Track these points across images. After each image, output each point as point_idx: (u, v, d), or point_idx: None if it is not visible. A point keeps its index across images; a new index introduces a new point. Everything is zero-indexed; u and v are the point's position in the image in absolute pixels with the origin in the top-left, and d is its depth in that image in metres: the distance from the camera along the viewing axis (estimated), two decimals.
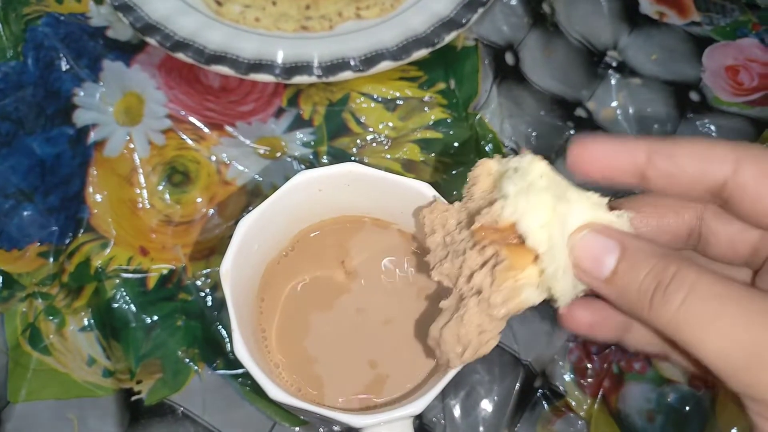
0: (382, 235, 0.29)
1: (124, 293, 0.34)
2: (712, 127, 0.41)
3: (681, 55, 0.44)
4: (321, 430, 0.32)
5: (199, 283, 0.35)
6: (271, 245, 0.27)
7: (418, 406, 0.22)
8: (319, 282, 0.29)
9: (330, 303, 0.28)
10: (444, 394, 0.33)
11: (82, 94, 0.39)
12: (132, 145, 0.38)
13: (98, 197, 0.36)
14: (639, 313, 0.18)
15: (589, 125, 0.41)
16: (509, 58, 0.42)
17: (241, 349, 0.22)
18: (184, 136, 0.38)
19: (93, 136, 0.38)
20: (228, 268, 0.24)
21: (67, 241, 0.35)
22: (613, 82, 0.42)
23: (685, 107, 0.42)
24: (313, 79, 0.38)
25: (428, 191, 0.26)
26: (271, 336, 0.27)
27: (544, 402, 0.34)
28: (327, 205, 0.28)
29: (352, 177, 0.26)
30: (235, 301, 0.24)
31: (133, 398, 0.32)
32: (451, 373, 0.23)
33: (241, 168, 0.38)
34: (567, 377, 0.35)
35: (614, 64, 0.43)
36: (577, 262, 0.19)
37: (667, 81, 0.43)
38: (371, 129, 0.40)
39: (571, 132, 0.40)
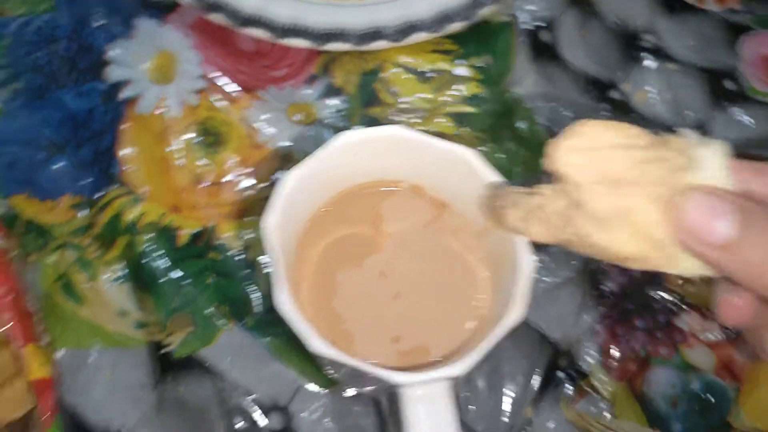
0: (417, 201, 0.29)
1: (156, 249, 0.34)
2: (747, 117, 0.41)
3: (717, 42, 0.44)
4: (347, 391, 0.33)
5: (229, 243, 0.35)
6: (311, 203, 0.27)
7: (461, 367, 0.22)
8: (351, 243, 0.29)
9: (361, 264, 0.28)
10: None
11: (114, 50, 0.39)
12: (165, 104, 0.38)
13: (131, 153, 0.36)
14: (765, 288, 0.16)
15: (624, 108, 0.41)
16: (545, 36, 0.42)
17: (284, 302, 0.23)
18: (217, 98, 0.38)
19: (125, 93, 0.38)
20: (271, 222, 0.24)
21: (100, 194, 0.35)
22: (648, 65, 0.42)
23: (720, 95, 0.42)
24: (347, 46, 0.38)
25: (472, 158, 0.26)
26: (303, 291, 0.28)
27: (568, 381, 0.34)
28: (368, 166, 0.28)
29: (396, 140, 0.26)
30: (276, 255, 0.24)
31: (164, 351, 0.33)
32: (495, 337, 0.23)
33: (272, 132, 0.38)
34: (592, 358, 0.35)
35: (650, 47, 0.43)
36: (685, 224, 0.17)
37: (702, 68, 0.42)
38: (404, 100, 0.40)
39: (606, 113, 0.40)
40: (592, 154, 0.18)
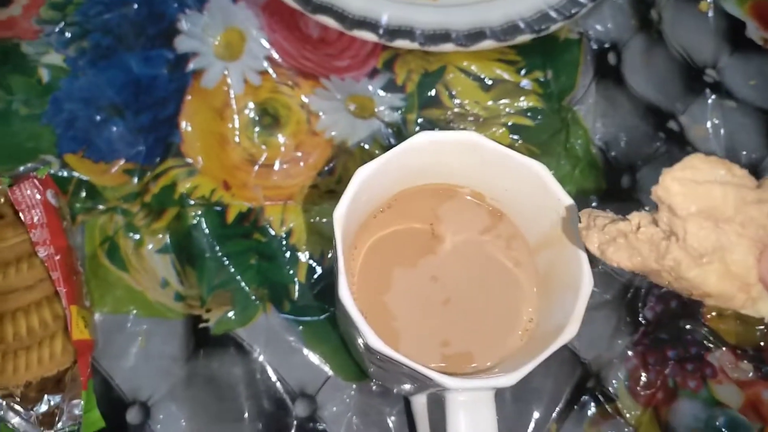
0: (475, 208, 0.29)
1: (204, 223, 0.34)
2: None
3: None
4: (374, 388, 0.33)
5: (274, 226, 0.35)
6: (375, 199, 0.28)
7: (510, 378, 0.22)
8: (405, 239, 0.29)
9: (414, 264, 0.28)
10: None
11: (185, 21, 0.39)
12: (228, 81, 0.38)
13: (189, 126, 0.37)
14: None
15: (679, 140, 0.40)
16: (611, 58, 0.42)
17: (345, 295, 0.23)
18: (279, 81, 0.39)
19: (192, 65, 0.38)
20: (342, 213, 0.24)
21: (155, 162, 0.36)
22: (708, 100, 0.42)
23: None
24: (414, 45, 0.38)
25: (545, 173, 0.26)
26: (355, 284, 0.28)
27: (593, 403, 0.34)
28: (435, 168, 0.28)
29: (470, 146, 0.26)
30: (341, 246, 0.24)
31: (201, 325, 0.33)
32: (548, 352, 0.23)
33: (329, 121, 0.38)
34: (620, 383, 0.35)
35: (711, 82, 0.42)
36: None
37: (762, 109, 0.42)
38: (463, 104, 0.40)
39: (661, 144, 0.40)
40: (699, 188, 0.18)
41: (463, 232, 0.29)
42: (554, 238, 0.27)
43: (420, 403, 0.29)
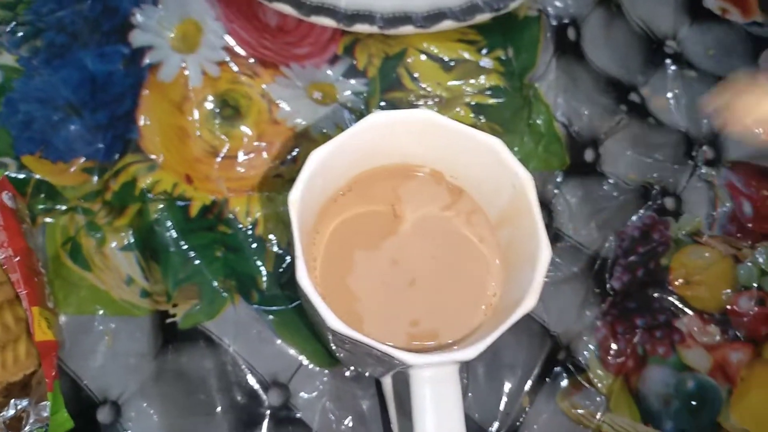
0: (435, 187, 0.30)
1: (167, 217, 0.34)
2: (760, 129, 0.41)
3: (738, 53, 0.44)
4: (347, 373, 0.33)
5: (239, 218, 0.35)
6: (333, 182, 0.27)
7: (471, 351, 0.22)
8: (367, 222, 0.29)
9: (375, 246, 0.28)
10: None
11: (140, 15, 0.38)
12: (186, 73, 0.37)
13: (148, 120, 0.36)
14: None
15: (641, 111, 0.41)
16: (571, 33, 0.42)
17: (304, 279, 0.23)
18: (239, 71, 0.38)
19: (148, 59, 0.37)
20: (297, 196, 0.24)
21: (114, 159, 0.35)
22: (668, 71, 0.42)
23: None
24: (373, 29, 0.38)
25: (500, 147, 0.26)
26: (318, 268, 0.28)
27: (565, 374, 0.35)
28: (392, 148, 0.28)
29: (425, 124, 0.26)
30: (298, 231, 0.24)
31: (168, 321, 0.33)
32: (507, 325, 0.23)
33: (291, 110, 0.38)
34: (591, 353, 0.35)
35: (671, 53, 0.43)
36: None
37: (721, 77, 0.43)
38: (425, 86, 0.39)
39: (623, 116, 0.40)
40: None
41: (423, 210, 0.29)
42: (513, 212, 0.27)
43: (388, 383, 0.29)
